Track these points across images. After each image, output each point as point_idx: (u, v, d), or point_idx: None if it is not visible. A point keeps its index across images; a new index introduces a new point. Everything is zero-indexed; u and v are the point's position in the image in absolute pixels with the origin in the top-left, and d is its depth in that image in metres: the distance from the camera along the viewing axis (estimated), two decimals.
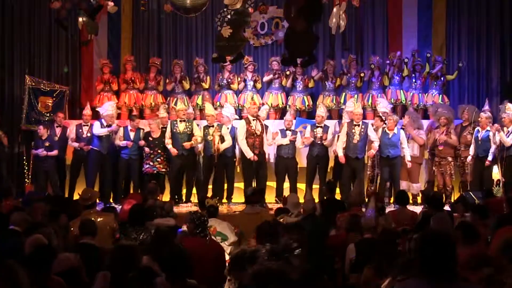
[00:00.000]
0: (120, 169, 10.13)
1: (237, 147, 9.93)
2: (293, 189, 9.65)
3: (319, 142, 9.80)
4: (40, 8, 12.23)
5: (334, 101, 11.19)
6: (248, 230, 6.11)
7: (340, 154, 9.49)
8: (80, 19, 10.06)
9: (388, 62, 11.28)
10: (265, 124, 9.94)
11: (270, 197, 9.82)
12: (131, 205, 6.31)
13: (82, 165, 10.27)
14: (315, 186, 9.86)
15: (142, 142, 9.95)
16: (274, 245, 3.92)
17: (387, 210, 8.17)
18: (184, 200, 10.02)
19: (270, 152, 10.10)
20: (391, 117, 9.80)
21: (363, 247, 4.84)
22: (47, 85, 11.60)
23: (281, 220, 6.14)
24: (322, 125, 9.90)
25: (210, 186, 10.06)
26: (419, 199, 9.86)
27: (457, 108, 10.89)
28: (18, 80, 12.07)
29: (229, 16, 10.16)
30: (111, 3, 9.84)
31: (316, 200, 8.26)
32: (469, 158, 9.84)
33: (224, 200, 10.06)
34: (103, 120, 10.02)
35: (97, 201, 7.40)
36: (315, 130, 9.87)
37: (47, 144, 10.16)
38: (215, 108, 10.71)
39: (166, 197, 9.72)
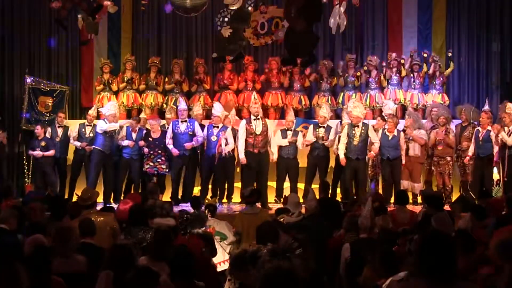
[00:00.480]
0: (121, 169, 10.13)
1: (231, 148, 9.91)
2: (293, 189, 9.64)
3: (320, 142, 9.79)
4: (40, 8, 12.23)
5: (330, 101, 11.19)
6: (248, 231, 6.12)
7: (342, 156, 9.48)
8: (80, 19, 10.07)
9: (384, 64, 11.27)
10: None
11: (270, 197, 9.81)
12: (127, 205, 6.32)
13: (83, 164, 10.26)
14: (315, 186, 9.85)
15: (142, 143, 9.95)
16: (275, 245, 3.92)
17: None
18: (184, 200, 10.01)
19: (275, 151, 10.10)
20: (391, 119, 9.80)
21: (358, 247, 4.84)
22: (47, 85, 11.60)
23: (282, 220, 6.13)
24: (325, 125, 9.89)
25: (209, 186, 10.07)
26: (419, 199, 9.86)
27: (455, 108, 10.91)
28: (18, 80, 12.08)
29: (229, 16, 10.16)
30: (111, 3, 9.84)
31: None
32: (467, 158, 9.84)
33: (224, 200, 10.06)
34: (106, 120, 10.01)
35: (97, 201, 7.39)
36: (317, 130, 9.86)
37: (43, 144, 10.17)
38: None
39: (166, 197, 9.71)
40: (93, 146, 9.96)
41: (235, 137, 9.71)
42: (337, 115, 11.06)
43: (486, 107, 10.46)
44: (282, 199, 9.56)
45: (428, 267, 2.88)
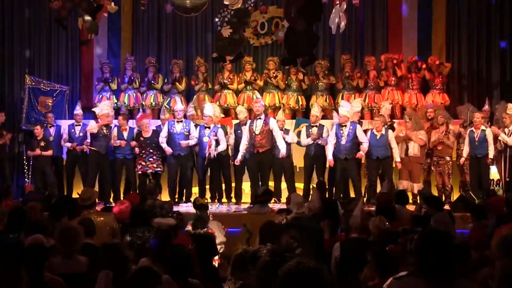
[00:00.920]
0: (116, 169, 10.14)
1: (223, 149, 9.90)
2: (291, 189, 9.65)
3: (313, 141, 9.79)
4: (40, 8, 12.24)
5: (327, 101, 11.19)
6: (255, 231, 6.10)
7: (330, 157, 9.48)
8: (80, 19, 10.06)
9: (380, 64, 11.26)
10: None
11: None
12: (123, 205, 6.33)
13: (77, 165, 10.26)
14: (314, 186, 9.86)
15: (133, 143, 9.98)
16: (275, 245, 3.92)
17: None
18: (184, 200, 10.02)
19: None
20: (378, 118, 9.79)
21: (348, 247, 4.84)
22: (47, 85, 11.60)
23: (279, 220, 6.12)
24: (317, 124, 9.88)
25: (207, 186, 10.06)
26: (419, 199, 9.85)
27: (456, 108, 10.91)
28: (18, 80, 12.08)
29: (229, 16, 10.16)
30: (111, 3, 9.84)
31: None
32: (462, 159, 9.84)
33: (224, 200, 10.06)
34: (99, 120, 9.99)
35: (97, 201, 7.40)
36: (310, 130, 9.86)
37: (42, 144, 10.18)
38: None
39: (163, 197, 9.70)
40: (84, 146, 9.94)
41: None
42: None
43: (486, 107, 10.46)
44: (277, 199, 9.64)
45: (427, 266, 2.89)
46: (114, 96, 11.40)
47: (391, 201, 6.91)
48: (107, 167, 10.05)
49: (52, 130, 10.51)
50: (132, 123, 10.44)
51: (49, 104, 11.40)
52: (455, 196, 9.79)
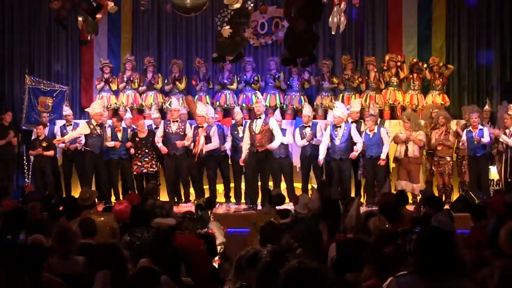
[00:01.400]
0: (112, 170, 10.14)
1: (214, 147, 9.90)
2: (290, 189, 9.64)
3: (308, 142, 9.79)
4: (40, 8, 12.24)
5: (333, 101, 11.19)
6: None
7: (320, 157, 9.49)
8: (80, 19, 10.06)
9: (383, 64, 11.26)
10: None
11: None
12: (121, 205, 6.32)
13: (74, 164, 10.26)
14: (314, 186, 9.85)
15: (129, 144, 9.99)
16: (275, 246, 3.92)
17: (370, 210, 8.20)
18: (183, 200, 10.02)
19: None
20: (369, 118, 9.80)
21: (344, 247, 4.84)
22: (47, 85, 11.60)
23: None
24: (310, 124, 9.88)
25: (206, 187, 10.05)
26: (419, 199, 9.85)
27: (454, 108, 10.92)
28: (18, 80, 12.08)
29: (229, 16, 10.16)
30: (111, 3, 9.83)
31: None
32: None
33: (223, 200, 10.06)
34: (92, 120, 9.97)
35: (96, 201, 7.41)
36: (304, 131, 9.87)
37: (44, 144, 10.17)
38: (214, 108, 10.73)
39: (162, 197, 9.69)
40: (77, 145, 9.94)
41: (223, 136, 9.75)
42: None
43: (486, 107, 10.46)
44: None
45: (426, 265, 2.91)
46: (114, 96, 11.39)
47: (394, 201, 6.91)
48: (103, 167, 10.04)
49: (46, 130, 10.51)
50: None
51: (49, 104, 11.40)
52: (455, 196, 9.80)
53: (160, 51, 12.44)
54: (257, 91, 10.95)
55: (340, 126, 9.51)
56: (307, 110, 10.05)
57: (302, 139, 9.85)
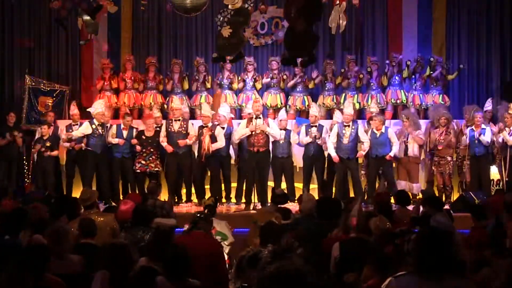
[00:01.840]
0: (114, 169, 10.12)
1: (231, 147, 9.91)
2: (290, 189, 9.64)
3: (314, 141, 9.79)
4: (40, 8, 12.23)
5: (335, 100, 11.19)
6: None
7: (334, 154, 9.49)
8: (80, 19, 10.07)
9: (387, 62, 11.27)
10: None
11: (270, 197, 9.80)
12: (127, 205, 6.30)
13: (77, 164, 10.26)
14: (313, 186, 9.86)
15: (134, 141, 9.96)
16: (276, 246, 3.93)
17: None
18: (184, 200, 10.02)
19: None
20: (376, 117, 9.80)
21: (347, 246, 4.85)
22: (47, 85, 11.59)
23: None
24: (317, 124, 9.89)
25: (207, 186, 10.05)
26: (418, 199, 9.85)
27: (454, 108, 10.92)
28: (18, 80, 12.08)
29: (229, 16, 10.15)
30: (111, 3, 9.85)
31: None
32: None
33: (223, 200, 10.05)
34: (94, 120, 9.98)
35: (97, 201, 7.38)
36: (309, 130, 9.87)
37: (48, 144, 10.16)
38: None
39: (163, 196, 9.68)
40: (82, 145, 9.95)
41: (228, 135, 9.74)
42: None
43: (489, 107, 10.43)
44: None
45: (425, 264, 2.92)
46: (115, 95, 11.37)
47: (389, 201, 6.90)
48: (105, 167, 10.04)
49: (50, 129, 10.49)
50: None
51: (49, 104, 11.39)
52: (455, 196, 9.80)
53: (160, 51, 12.43)
54: (255, 91, 10.95)
55: (348, 125, 9.51)
56: (314, 110, 10.04)
57: (307, 136, 9.82)
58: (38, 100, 11.34)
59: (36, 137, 10.40)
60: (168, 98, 11.35)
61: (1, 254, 4.49)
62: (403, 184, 9.75)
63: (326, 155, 9.89)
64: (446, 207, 7.74)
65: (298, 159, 10.17)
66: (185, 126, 9.88)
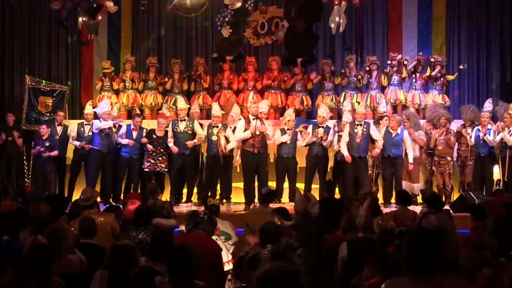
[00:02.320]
0: (120, 168, 10.12)
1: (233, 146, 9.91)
2: (292, 190, 9.63)
3: (319, 142, 9.79)
4: (40, 8, 12.24)
5: (334, 100, 11.19)
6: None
7: (346, 153, 9.47)
8: (80, 19, 10.07)
9: (388, 63, 11.27)
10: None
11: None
12: (136, 205, 6.28)
13: (83, 164, 10.26)
14: (315, 186, 9.86)
15: (144, 140, 9.95)
16: (275, 246, 3.92)
17: (389, 210, 8.22)
18: (184, 199, 10.02)
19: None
20: (394, 117, 9.79)
21: (355, 246, 4.84)
22: (47, 85, 11.59)
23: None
24: (324, 125, 9.88)
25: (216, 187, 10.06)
26: (419, 199, 9.86)
27: (455, 108, 10.92)
28: (18, 80, 12.08)
29: (229, 16, 10.17)
30: (111, 3, 9.84)
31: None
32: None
33: (224, 200, 10.05)
34: (101, 119, 9.99)
35: (98, 200, 7.37)
36: (316, 130, 9.86)
37: (47, 144, 10.15)
38: None
39: (165, 196, 9.71)
40: (91, 146, 9.96)
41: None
42: (339, 114, 11.02)
43: (490, 108, 10.43)
44: (277, 199, 9.65)
45: (412, 264, 2.97)
46: (115, 95, 11.38)
47: (377, 202, 6.89)
48: (109, 167, 10.05)
49: (59, 129, 10.46)
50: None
51: (49, 104, 11.39)
52: (455, 196, 9.79)
53: (160, 51, 12.43)
54: (252, 91, 10.95)
55: (360, 124, 9.50)
56: (322, 111, 10.02)
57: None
58: (38, 100, 11.33)
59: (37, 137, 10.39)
60: (166, 97, 11.36)
61: (2, 255, 4.49)
62: (403, 184, 9.75)
63: (330, 155, 9.88)
64: (446, 207, 7.74)
65: (302, 159, 10.10)
66: (191, 126, 9.87)
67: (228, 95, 11.26)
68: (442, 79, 11.15)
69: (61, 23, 10.21)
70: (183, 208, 9.52)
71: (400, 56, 11.25)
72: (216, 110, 9.98)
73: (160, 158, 9.90)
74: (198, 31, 12.44)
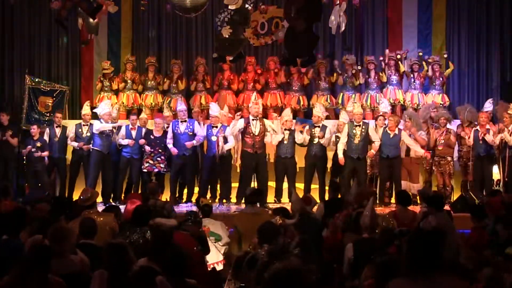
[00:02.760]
0: (121, 168, 10.11)
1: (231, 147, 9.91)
2: (290, 190, 9.60)
3: (316, 141, 9.77)
4: (40, 8, 12.24)
5: (329, 100, 11.19)
6: (247, 231, 6.08)
7: (340, 156, 9.47)
8: (80, 19, 10.06)
9: (381, 59, 11.26)
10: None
11: (269, 197, 9.81)
12: (135, 205, 6.28)
13: (82, 164, 10.25)
14: (314, 186, 9.85)
15: (142, 141, 9.94)
16: (272, 246, 3.93)
17: (389, 210, 8.21)
18: (184, 200, 10.02)
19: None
20: (392, 118, 9.79)
21: (361, 247, 4.84)
22: (47, 85, 11.59)
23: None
24: (320, 125, 9.87)
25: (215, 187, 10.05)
26: (418, 199, 9.85)
27: (455, 108, 10.91)
28: (18, 80, 12.08)
29: (229, 16, 10.16)
30: (111, 3, 9.84)
31: (318, 200, 8.27)
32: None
33: (224, 200, 10.05)
34: (102, 120, 9.99)
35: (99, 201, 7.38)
36: (313, 130, 9.85)
37: (38, 144, 10.13)
38: None
39: (165, 197, 9.70)
40: (91, 147, 9.95)
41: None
42: (336, 114, 11.04)
43: (490, 108, 10.43)
44: (277, 199, 9.67)
45: (412, 265, 2.98)
46: (114, 95, 11.38)
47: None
48: (110, 167, 10.04)
49: (58, 130, 10.44)
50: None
51: (49, 104, 11.38)
52: (455, 196, 9.79)
53: (160, 51, 12.43)
54: (254, 92, 10.95)
55: (359, 125, 9.50)
56: (317, 110, 10.00)
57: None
58: (38, 100, 11.32)
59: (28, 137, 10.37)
60: (165, 98, 11.35)
61: (1, 255, 4.49)
62: (403, 184, 9.75)
63: (328, 155, 9.88)
64: (446, 207, 7.74)
65: (301, 159, 10.10)
66: (191, 127, 9.87)
67: (228, 95, 11.26)
68: (441, 78, 11.15)
69: (61, 23, 10.18)
70: (183, 208, 9.52)
71: (398, 55, 11.24)
72: (214, 110, 9.97)
73: (158, 159, 9.89)
74: (198, 31, 12.45)
